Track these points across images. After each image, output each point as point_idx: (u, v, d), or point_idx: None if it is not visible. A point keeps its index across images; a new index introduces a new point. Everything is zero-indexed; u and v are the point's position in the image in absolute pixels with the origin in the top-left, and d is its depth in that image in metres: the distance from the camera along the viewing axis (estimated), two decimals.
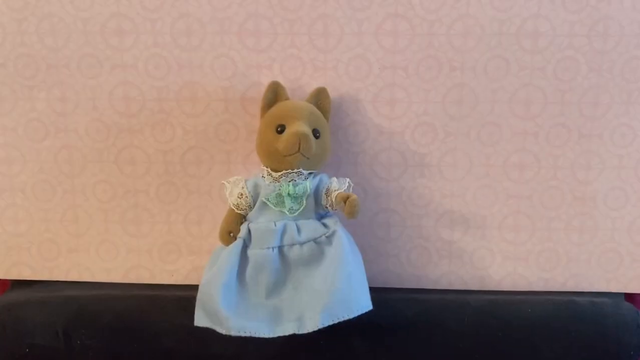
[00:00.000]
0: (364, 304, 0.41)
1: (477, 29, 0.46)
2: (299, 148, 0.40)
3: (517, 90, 0.48)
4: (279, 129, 0.41)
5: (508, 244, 0.51)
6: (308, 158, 0.41)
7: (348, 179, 0.43)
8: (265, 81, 0.47)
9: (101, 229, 0.50)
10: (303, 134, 0.40)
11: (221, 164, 0.49)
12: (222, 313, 0.39)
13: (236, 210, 0.43)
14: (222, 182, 0.43)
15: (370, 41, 0.46)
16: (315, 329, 0.39)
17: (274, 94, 0.43)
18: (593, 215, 0.50)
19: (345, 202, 0.40)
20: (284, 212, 0.41)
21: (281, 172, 0.41)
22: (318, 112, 0.43)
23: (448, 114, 0.48)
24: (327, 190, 0.42)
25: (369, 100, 0.47)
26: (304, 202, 0.42)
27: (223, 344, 0.44)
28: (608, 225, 0.50)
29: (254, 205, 0.43)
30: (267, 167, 0.42)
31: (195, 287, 0.42)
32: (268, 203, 0.41)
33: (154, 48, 0.47)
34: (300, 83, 0.47)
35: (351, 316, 0.39)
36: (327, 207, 0.43)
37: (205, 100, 0.48)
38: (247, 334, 0.39)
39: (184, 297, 0.47)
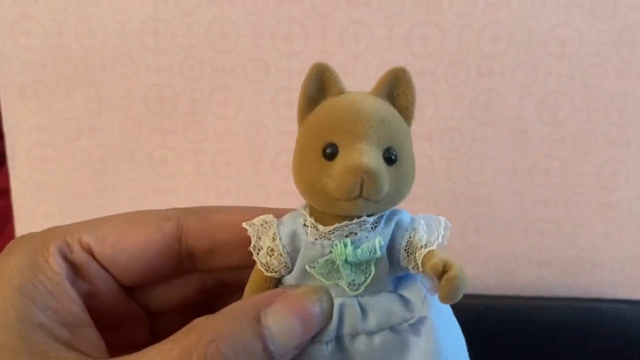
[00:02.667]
0: None
1: (506, 35, 0.47)
2: (361, 192, 0.22)
3: (544, 97, 0.48)
4: (327, 151, 0.23)
5: (532, 249, 0.51)
6: (377, 201, 0.23)
7: (444, 220, 0.25)
8: (297, 85, 0.47)
9: None
10: (367, 171, 0.22)
11: (250, 165, 0.50)
12: None
13: (266, 273, 0.25)
14: (243, 225, 0.25)
15: (400, 46, 0.47)
16: None
17: (319, 86, 0.25)
18: (618, 222, 0.50)
19: (439, 278, 0.22)
20: (340, 286, 0.24)
21: (332, 227, 0.24)
22: (393, 116, 0.25)
23: (475, 119, 0.48)
24: (410, 245, 0.24)
25: None
26: (373, 269, 0.24)
27: None
28: (633, 232, 0.50)
29: (292, 265, 0.25)
30: (307, 210, 0.25)
31: None
32: (315, 274, 0.24)
33: (188, 50, 0.48)
34: None
35: None
36: (407, 268, 0.25)
37: (238, 103, 0.49)
38: None
39: None
